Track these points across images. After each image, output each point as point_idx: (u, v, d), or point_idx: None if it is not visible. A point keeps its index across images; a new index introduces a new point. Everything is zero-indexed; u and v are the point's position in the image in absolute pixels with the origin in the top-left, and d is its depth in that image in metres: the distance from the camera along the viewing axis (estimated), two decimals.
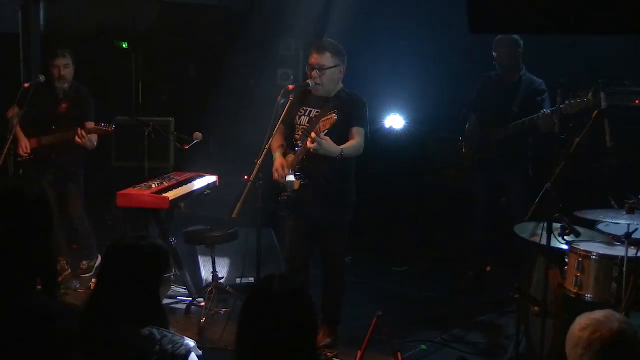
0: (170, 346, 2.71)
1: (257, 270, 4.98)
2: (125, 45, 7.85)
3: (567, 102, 5.44)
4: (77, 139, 6.34)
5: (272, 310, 2.49)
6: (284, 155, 5.29)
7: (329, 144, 4.87)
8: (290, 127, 5.30)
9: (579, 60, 6.34)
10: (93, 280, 6.45)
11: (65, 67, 6.51)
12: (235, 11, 8.19)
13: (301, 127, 5.24)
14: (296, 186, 5.15)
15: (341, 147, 4.97)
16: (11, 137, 6.23)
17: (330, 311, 5.45)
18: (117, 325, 2.73)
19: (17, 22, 7.76)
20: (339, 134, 5.00)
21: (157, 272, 2.87)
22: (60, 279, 6.52)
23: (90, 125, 6.49)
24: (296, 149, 5.19)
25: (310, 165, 5.08)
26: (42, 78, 6.41)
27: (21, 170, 6.35)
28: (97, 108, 6.76)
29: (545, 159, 5.82)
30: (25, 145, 6.43)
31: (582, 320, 2.44)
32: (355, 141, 5.10)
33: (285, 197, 5.24)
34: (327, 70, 5.14)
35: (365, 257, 7.36)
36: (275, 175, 5.21)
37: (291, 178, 5.18)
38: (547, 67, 6.33)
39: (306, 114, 5.26)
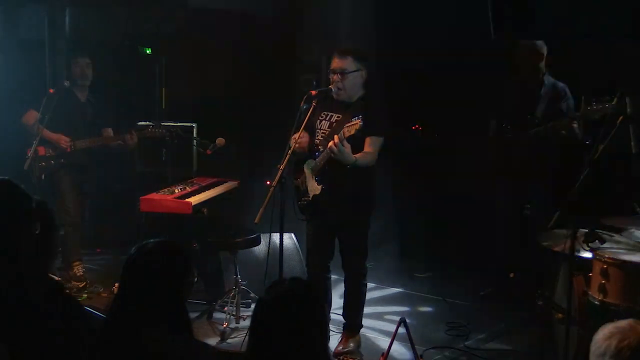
0: (189, 353, 2.70)
1: (280, 275, 4.98)
2: (149, 51, 7.90)
3: (589, 108, 5.39)
4: (128, 139, 6.60)
5: (280, 314, 2.50)
6: (304, 160, 5.30)
7: (347, 151, 4.86)
8: (310, 131, 5.31)
9: (603, 63, 6.28)
10: (116, 284, 6.48)
11: (87, 66, 6.70)
12: (259, 17, 8.21)
13: (321, 131, 5.24)
14: (317, 191, 5.16)
15: (355, 156, 4.95)
16: (37, 141, 6.26)
17: (352, 317, 5.44)
18: (135, 330, 2.73)
19: (43, 28, 7.84)
20: (355, 140, 4.97)
21: (180, 277, 2.86)
22: (83, 284, 6.60)
23: (109, 132, 6.77)
24: (316, 153, 5.19)
25: (332, 170, 5.07)
26: (67, 84, 6.53)
27: (43, 176, 6.41)
28: (120, 113, 6.89)
29: (569, 165, 5.77)
30: (64, 140, 6.53)
31: (606, 330, 2.41)
32: (369, 152, 5.08)
33: (306, 202, 5.25)
34: (349, 75, 5.14)
35: (387, 263, 7.34)
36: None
37: (313, 183, 5.18)
38: (570, 71, 6.28)
39: (327, 119, 5.26)
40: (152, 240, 2.93)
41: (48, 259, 3.32)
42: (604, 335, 2.39)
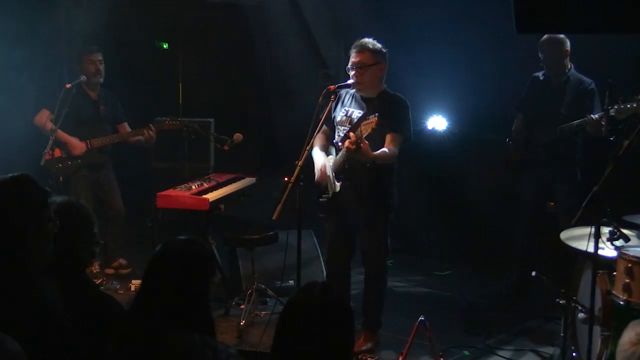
0: (210, 352, 2.67)
1: (297, 273, 4.94)
2: (166, 46, 7.88)
3: (616, 107, 5.30)
4: (147, 133, 6.47)
5: (311, 321, 2.49)
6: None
7: (366, 150, 4.78)
8: (331, 127, 5.25)
9: (629, 60, 6.17)
10: (133, 281, 6.46)
11: (100, 62, 6.57)
12: (277, 12, 8.17)
13: (342, 128, 5.18)
14: (337, 188, 5.10)
15: (374, 154, 4.88)
16: (52, 141, 6.06)
17: (371, 315, 5.39)
18: (159, 328, 2.69)
19: (60, 23, 7.83)
20: (376, 137, 4.91)
21: (205, 278, 2.84)
22: (99, 281, 6.57)
23: (126, 127, 6.70)
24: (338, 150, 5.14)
25: (352, 167, 5.01)
26: (83, 78, 6.44)
27: (61, 178, 6.30)
28: (138, 108, 6.83)
29: (594, 162, 5.68)
30: (79, 148, 6.43)
31: (633, 332, 2.36)
32: (389, 149, 5.01)
33: (326, 199, 5.19)
34: (368, 69, 5.07)
35: (407, 260, 7.28)
36: (318, 174, 5.15)
37: (333, 180, 5.13)
38: (597, 66, 6.17)
39: (347, 115, 5.20)
40: (178, 238, 2.90)
41: (77, 258, 3.26)
42: (630, 340, 2.36)
